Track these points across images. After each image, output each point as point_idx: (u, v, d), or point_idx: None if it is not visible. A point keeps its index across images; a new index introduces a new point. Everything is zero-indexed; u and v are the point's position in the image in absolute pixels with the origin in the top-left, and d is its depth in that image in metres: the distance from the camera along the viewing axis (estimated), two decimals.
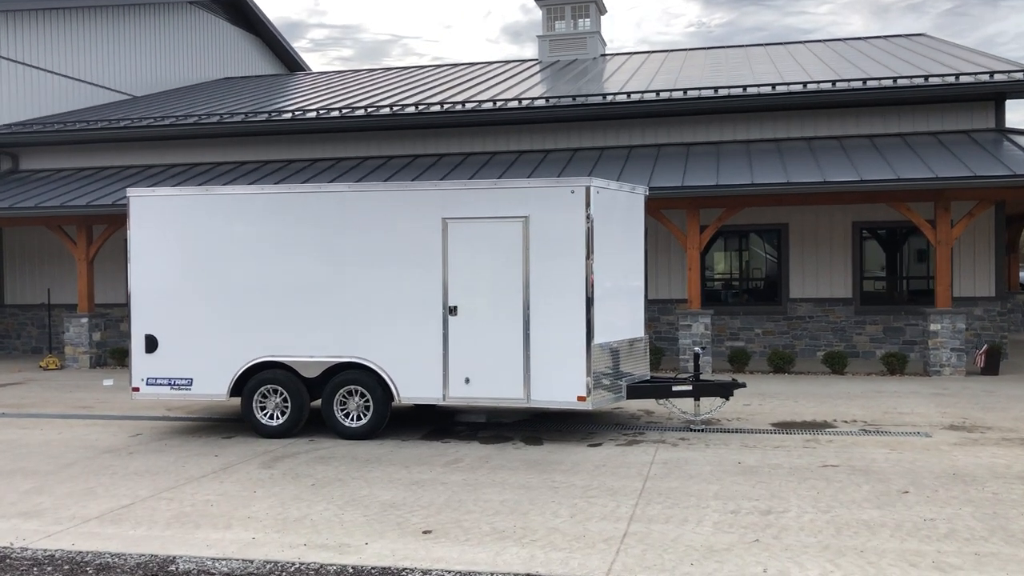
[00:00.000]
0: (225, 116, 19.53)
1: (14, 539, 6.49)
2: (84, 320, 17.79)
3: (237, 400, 11.38)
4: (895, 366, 14.84)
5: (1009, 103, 17.80)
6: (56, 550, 6.22)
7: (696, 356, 10.70)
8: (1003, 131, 16.75)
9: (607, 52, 26.02)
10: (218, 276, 10.44)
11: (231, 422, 11.36)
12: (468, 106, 18.38)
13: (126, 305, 20.25)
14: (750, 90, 17.25)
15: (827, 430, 10.17)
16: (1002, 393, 12.70)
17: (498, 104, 18.28)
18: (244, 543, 6.31)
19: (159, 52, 26.22)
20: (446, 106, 18.48)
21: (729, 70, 20.12)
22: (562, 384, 9.55)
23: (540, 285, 9.62)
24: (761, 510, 6.92)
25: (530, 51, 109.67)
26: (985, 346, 14.71)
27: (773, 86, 17.23)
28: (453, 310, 9.82)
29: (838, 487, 7.57)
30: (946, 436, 9.71)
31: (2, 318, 21.43)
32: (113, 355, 18.01)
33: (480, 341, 9.74)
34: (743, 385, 10.50)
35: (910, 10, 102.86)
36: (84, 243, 17.88)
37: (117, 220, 17.52)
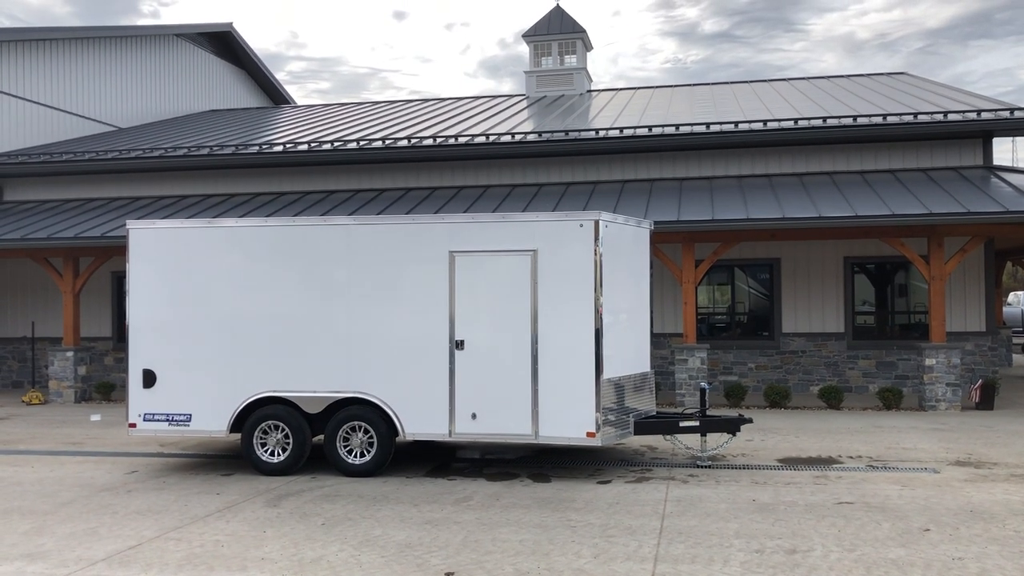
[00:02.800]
0: (215, 148, 19.40)
1: None
2: (69, 354, 17.46)
3: (233, 436, 11.15)
4: (890, 401, 14.85)
5: (995, 140, 17.98)
6: None
7: (703, 391, 10.63)
8: (991, 168, 16.96)
9: (593, 88, 26.20)
10: (219, 309, 10.26)
11: (228, 458, 11.12)
12: (461, 140, 18.39)
13: (110, 339, 19.94)
14: (742, 126, 17.39)
15: (834, 466, 10.11)
16: (1001, 428, 12.72)
17: (491, 138, 18.30)
18: None
19: (145, 84, 26.09)
20: (439, 140, 18.47)
21: (718, 106, 20.30)
22: (571, 420, 9.43)
23: (548, 319, 9.53)
24: (786, 549, 6.82)
25: (508, 86, 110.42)
26: (980, 381, 14.77)
27: (765, 122, 17.38)
28: (460, 344, 9.70)
29: (858, 525, 7.49)
30: (955, 472, 9.68)
31: None
32: (98, 389, 17.67)
33: (487, 376, 9.62)
34: (750, 420, 10.44)
35: (882, 48, 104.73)
36: (70, 276, 17.60)
37: (104, 253, 17.28)
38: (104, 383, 17.69)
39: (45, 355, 20.28)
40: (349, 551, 6.92)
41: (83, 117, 23.70)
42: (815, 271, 17.67)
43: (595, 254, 9.42)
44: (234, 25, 29.28)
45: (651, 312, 10.87)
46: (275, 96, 32.43)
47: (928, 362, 14.76)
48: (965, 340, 17.06)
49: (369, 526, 7.68)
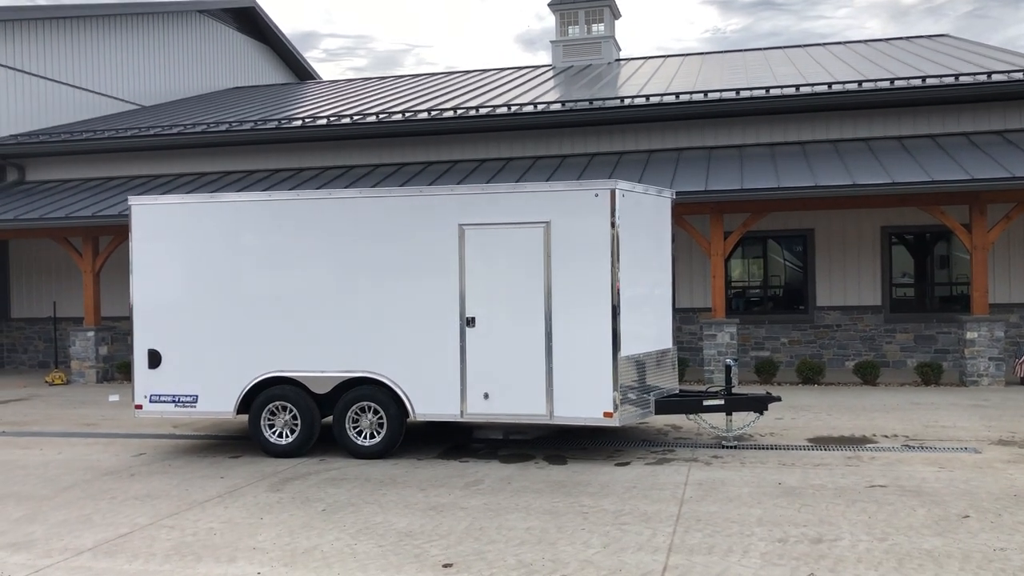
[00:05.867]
0: (234, 124, 19.10)
1: None
2: (90, 334, 17.34)
3: (242, 417, 10.87)
4: (929, 376, 14.22)
5: None
6: None
7: (728, 368, 10.13)
8: None
9: (622, 57, 25.51)
10: (224, 287, 9.94)
11: (239, 440, 10.85)
12: (482, 111, 17.89)
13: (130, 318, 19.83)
14: (773, 91, 16.69)
15: (868, 446, 9.58)
16: None
17: (513, 109, 17.78)
18: None
19: (167, 62, 25.86)
20: (460, 111, 18.00)
21: (749, 72, 19.58)
22: (587, 399, 9.00)
23: (563, 294, 9.08)
24: (811, 538, 6.34)
25: (543, 58, 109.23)
26: None
27: (797, 87, 16.67)
28: (471, 321, 9.29)
29: (891, 511, 6.99)
30: (997, 452, 9.11)
31: (9, 332, 21.03)
32: (120, 369, 17.56)
33: (500, 354, 9.20)
34: (778, 399, 9.92)
35: (929, 13, 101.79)
36: (90, 255, 17.45)
37: (123, 231, 17.08)
38: (125, 363, 17.57)
39: (68, 335, 20.24)
40: (346, 540, 6.56)
41: (105, 96, 23.53)
42: (851, 242, 16.98)
43: (611, 225, 8.94)
44: (258, 1, 28.92)
45: (673, 285, 10.36)
46: (301, 73, 32.08)
47: (969, 335, 14.08)
48: (1009, 312, 16.31)
49: (371, 512, 7.32)
